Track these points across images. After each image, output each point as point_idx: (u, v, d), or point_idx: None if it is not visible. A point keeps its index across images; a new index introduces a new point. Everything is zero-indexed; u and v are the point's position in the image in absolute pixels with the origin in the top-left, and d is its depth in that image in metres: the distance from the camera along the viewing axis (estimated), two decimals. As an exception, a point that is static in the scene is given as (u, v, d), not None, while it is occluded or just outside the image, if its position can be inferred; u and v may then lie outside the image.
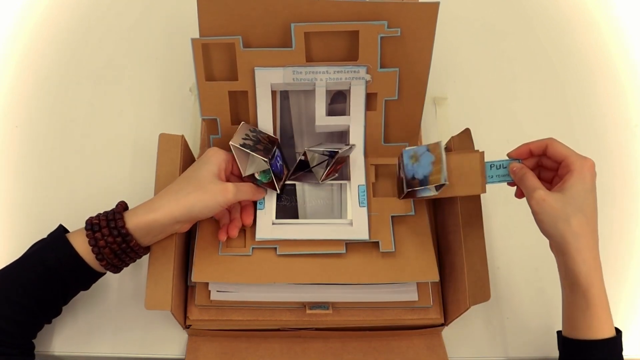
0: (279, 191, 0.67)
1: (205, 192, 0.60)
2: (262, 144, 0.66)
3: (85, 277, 0.62)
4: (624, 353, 0.59)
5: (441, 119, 0.85)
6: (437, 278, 0.65)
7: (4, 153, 0.81)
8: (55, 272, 0.59)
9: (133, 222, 0.59)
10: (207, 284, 0.66)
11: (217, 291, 0.65)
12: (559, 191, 0.58)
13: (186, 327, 0.67)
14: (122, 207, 0.61)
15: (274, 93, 0.69)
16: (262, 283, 0.65)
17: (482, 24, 0.94)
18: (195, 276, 0.63)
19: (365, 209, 0.67)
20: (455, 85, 0.88)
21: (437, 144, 0.63)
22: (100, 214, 0.60)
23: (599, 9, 0.96)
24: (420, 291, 0.67)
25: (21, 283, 0.59)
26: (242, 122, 0.68)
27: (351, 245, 0.66)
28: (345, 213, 0.68)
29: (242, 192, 0.63)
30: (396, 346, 0.69)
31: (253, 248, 0.65)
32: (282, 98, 0.71)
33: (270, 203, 0.67)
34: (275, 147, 0.67)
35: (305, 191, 0.70)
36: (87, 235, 0.59)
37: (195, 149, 0.77)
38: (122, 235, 0.58)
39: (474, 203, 0.66)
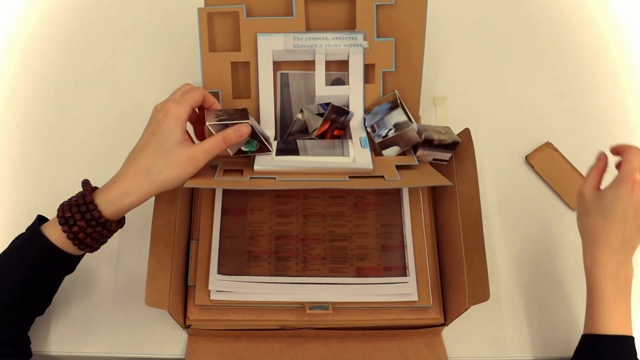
0: (272, 150, 0.67)
1: (176, 166, 0.59)
2: (235, 114, 0.65)
3: (67, 264, 0.62)
4: None
5: (441, 118, 0.85)
6: (450, 182, 0.65)
7: (4, 153, 0.81)
8: (36, 268, 0.59)
9: (109, 210, 0.58)
10: (207, 283, 0.66)
11: (217, 291, 0.65)
12: (598, 192, 0.64)
13: (186, 327, 0.67)
14: (90, 192, 0.59)
15: (275, 66, 0.70)
16: (261, 187, 0.63)
17: (482, 24, 0.94)
18: (189, 182, 0.60)
19: (367, 150, 0.66)
20: (455, 85, 0.88)
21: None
22: (71, 202, 0.59)
23: (599, 9, 0.96)
24: (420, 291, 0.67)
25: (5, 284, 0.59)
26: (205, 109, 0.66)
27: (354, 179, 0.64)
28: (348, 152, 0.67)
29: (211, 151, 0.61)
30: (396, 346, 0.69)
31: (251, 178, 0.63)
32: (283, 85, 0.72)
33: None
34: (248, 113, 0.66)
35: (305, 142, 0.70)
36: (64, 230, 0.58)
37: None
38: (100, 224, 0.58)
39: (473, 203, 0.66)
